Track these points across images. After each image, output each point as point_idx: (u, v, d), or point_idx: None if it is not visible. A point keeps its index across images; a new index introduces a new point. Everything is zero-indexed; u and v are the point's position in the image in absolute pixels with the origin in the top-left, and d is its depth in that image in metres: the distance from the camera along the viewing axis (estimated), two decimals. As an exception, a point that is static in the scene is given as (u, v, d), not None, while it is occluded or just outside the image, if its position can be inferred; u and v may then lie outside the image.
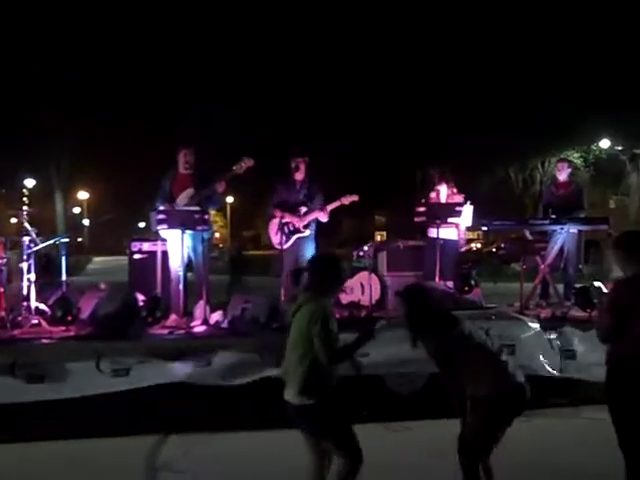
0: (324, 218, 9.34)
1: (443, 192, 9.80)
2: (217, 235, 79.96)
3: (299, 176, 9.37)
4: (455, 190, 9.82)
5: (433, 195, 9.87)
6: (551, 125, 33.65)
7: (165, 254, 9.09)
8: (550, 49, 34.75)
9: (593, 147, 38.95)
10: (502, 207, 37.14)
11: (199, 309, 8.43)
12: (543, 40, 34.84)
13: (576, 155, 38.57)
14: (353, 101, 39.78)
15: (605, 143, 38.31)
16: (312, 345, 4.37)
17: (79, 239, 64.81)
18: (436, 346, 4.70)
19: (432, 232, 9.31)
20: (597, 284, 8.37)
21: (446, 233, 9.13)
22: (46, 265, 9.10)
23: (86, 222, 63.93)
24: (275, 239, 9.25)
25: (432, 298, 4.96)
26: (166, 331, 7.93)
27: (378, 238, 42.28)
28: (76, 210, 61.67)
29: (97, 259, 52.36)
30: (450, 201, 9.65)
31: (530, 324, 8.01)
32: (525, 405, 4.71)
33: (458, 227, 9.39)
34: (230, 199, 63.62)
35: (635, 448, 4.59)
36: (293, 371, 4.44)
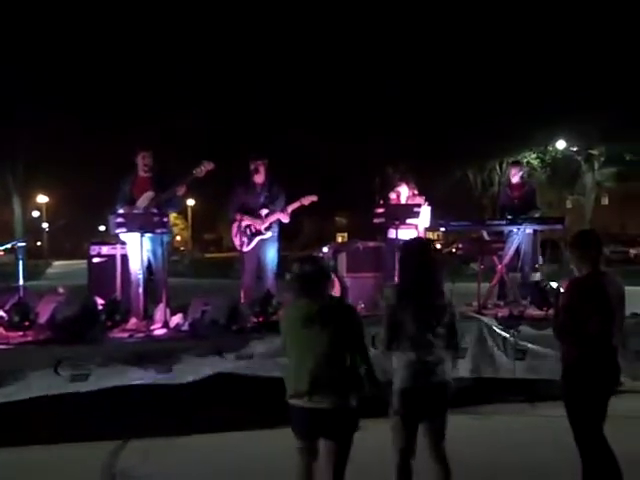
0: (285, 219, 9.36)
1: (404, 193, 9.84)
2: (178, 238, 79.67)
3: (259, 179, 9.38)
4: (416, 191, 9.89)
5: (393, 196, 9.89)
6: (508, 127, 34.03)
7: (125, 257, 9.02)
8: (506, 50, 35.12)
9: (549, 148, 39.46)
10: (461, 208, 37.46)
11: (159, 312, 8.40)
12: (500, 41, 35.20)
13: (533, 156, 39.09)
14: (314, 101, 39.78)
15: (561, 144, 38.84)
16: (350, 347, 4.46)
17: (38, 243, 64.09)
18: None
19: (391, 233, 9.39)
20: (552, 283, 8.50)
21: (405, 234, 9.20)
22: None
23: (45, 226, 63.28)
24: (236, 241, 9.26)
25: None
26: (126, 334, 7.88)
27: (339, 239, 42.38)
28: (35, 214, 60.95)
29: (57, 263, 51.85)
30: (411, 202, 9.70)
31: (486, 324, 8.12)
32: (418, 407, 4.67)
33: (417, 228, 9.46)
34: (191, 202, 63.37)
35: (591, 444, 4.69)
36: (330, 375, 4.43)
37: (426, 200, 9.67)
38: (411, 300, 4.60)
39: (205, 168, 8.67)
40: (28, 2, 33.32)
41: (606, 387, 4.72)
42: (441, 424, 4.70)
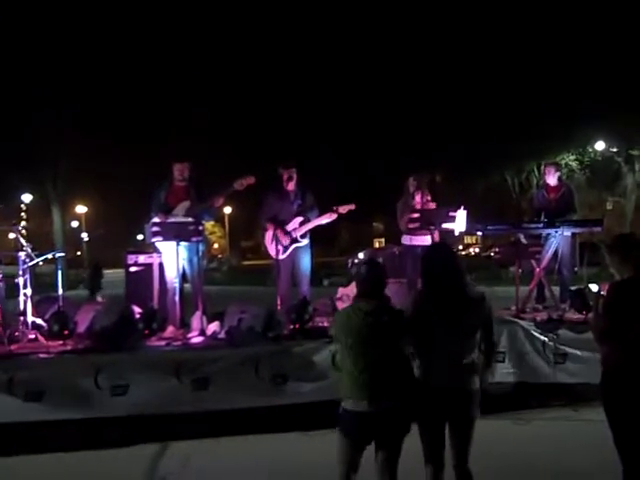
0: (330, 219, 9.35)
1: (417, 200, 9.85)
2: (216, 246, 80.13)
3: (291, 187, 9.39)
4: (429, 198, 9.87)
5: (413, 203, 9.90)
6: (546, 128, 33.70)
7: (161, 266, 9.09)
8: (544, 53, 34.80)
9: (588, 149, 39.00)
10: (499, 211, 37.29)
11: (196, 320, 8.45)
12: (536, 44, 34.89)
13: (572, 158, 38.64)
14: (350, 108, 39.84)
15: (600, 145, 38.34)
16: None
17: (78, 253, 64.83)
18: None
19: (408, 240, 9.38)
20: (592, 286, 8.40)
21: (422, 240, 9.21)
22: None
23: (85, 236, 64.00)
24: (271, 249, 9.27)
25: None
26: (164, 342, 7.95)
27: (377, 245, 42.34)
28: (74, 224, 61.67)
29: (97, 272, 52.35)
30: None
31: (525, 328, 8.04)
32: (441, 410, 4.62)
33: (451, 233, 9.41)
34: (228, 209, 63.72)
35: (631, 449, 4.61)
36: (388, 378, 4.46)
37: (463, 203, 9.59)
38: (436, 305, 4.57)
39: (246, 182, 8.70)
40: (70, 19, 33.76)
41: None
42: (466, 431, 4.65)
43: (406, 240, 9.78)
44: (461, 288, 4.64)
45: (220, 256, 70.27)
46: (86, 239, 64.07)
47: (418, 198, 9.87)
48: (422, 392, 4.57)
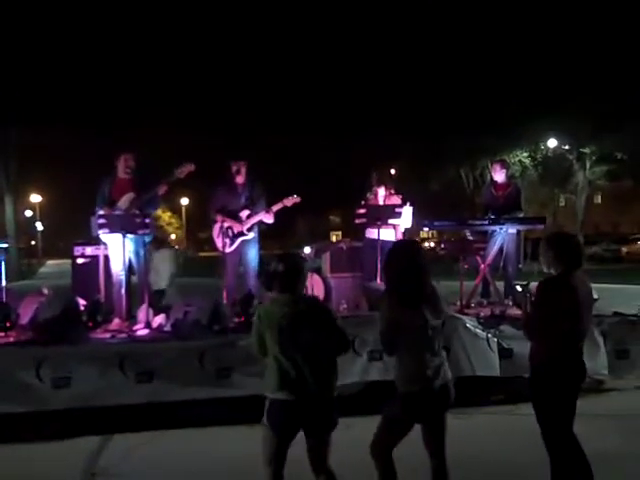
0: (269, 220, 9.42)
1: (381, 193, 9.91)
2: (173, 237, 79.63)
3: (240, 179, 9.45)
4: (392, 191, 9.95)
5: (371, 197, 9.98)
6: (499, 125, 34.07)
7: (107, 258, 9.05)
8: (496, 49, 35.16)
9: (541, 146, 39.49)
10: (454, 207, 37.58)
11: (142, 312, 8.43)
12: (490, 41, 35.25)
13: (524, 154, 39.11)
14: (307, 100, 39.83)
15: (552, 142, 38.87)
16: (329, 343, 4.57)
17: (32, 242, 63.99)
18: None
19: (371, 233, 9.45)
20: (520, 284, 8.57)
21: (384, 234, 9.25)
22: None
23: (39, 225, 63.21)
24: (218, 242, 9.30)
25: None
26: (109, 335, 7.92)
27: (334, 238, 42.44)
28: (28, 213, 60.87)
29: (50, 262, 51.76)
30: (388, 202, 9.76)
31: (468, 323, 8.15)
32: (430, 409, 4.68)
33: (396, 228, 9.51)
34: (185, 201, 63.40)
35: (560, 443, 4.73)
36: (312, 369, 4.51)
37: (409, 200, 9.71)
38: (404, 302, 4.60)
39: (186, 169, 8.70)
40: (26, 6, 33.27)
41: (573, 385, 4.76)
42: (442, 428, 4.71)
43: (367, 233, 9.81)
44: (425, 287, 4.67)
45: (177, 247, 69.90)
46: (40, 229, 63.35)
47: (381, 191, 9.92)
48: (406, 392, 4.61)
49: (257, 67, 39.85)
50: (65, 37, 34.29)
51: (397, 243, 5.45)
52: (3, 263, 8.78)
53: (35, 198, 56.78)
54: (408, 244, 5.28)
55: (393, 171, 9.52)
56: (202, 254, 60.54)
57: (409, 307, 4.56)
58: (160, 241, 10.70)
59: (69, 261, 10.45)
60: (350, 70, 39.22)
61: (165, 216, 73.24)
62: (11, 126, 35.49)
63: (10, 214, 42.14)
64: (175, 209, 70.77)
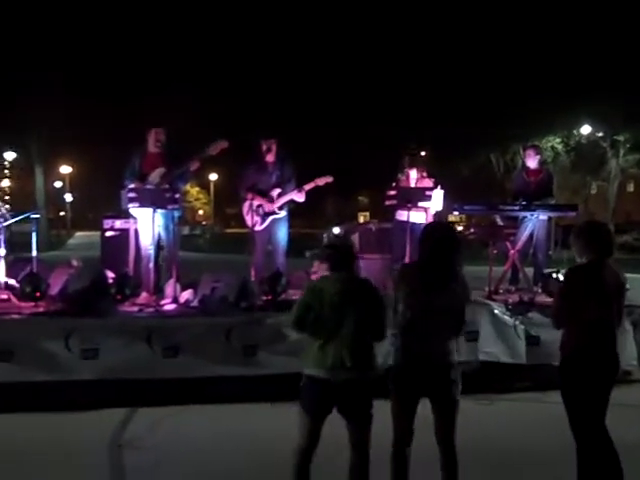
0: (301, 198, 9.39)
1: (413, 176, 9.83)
2: (201, 212, 79.83)
3: (270, 158, 9.42)
4: (425, 174, 9.86)
5: (403, 179, 9.91)
6: (532, 110, 33.72)
7: (137, 232, 9.04)
8: (532, 36, 34.79)
9: (574, 133, 39.06)
10: (483, 191, 37.30)
11: (169, 287, 8.47)
12: (524, 27, 34.89)
13: (557, 140, 38.71)
14: (338, 82, 39.71)
15: (586, 129, 38.43)
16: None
17: (61, 213, 64.52)
18: None
19: (401, 215, 9.39)
20: (561, 271, 8.48)
21: (415, 217, 9.19)
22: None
23: (68, 197, 63.65)
24: (248, 220, 9.29)
25: None
26: (136, 308, 7.97)
27: (361, 219, 42.35)
28: (58, 184, 61.31)
29: (79, 234, 52.17)
30: (419, 185, 9.69)
31: (496, 310, 8.10)
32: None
33: (427, 211, 9.44)
34: (214, 176, 63.49)
35: (585, 431, 4.69)
36: (355, 350, 4.52)
37: (439, 183, 9.62)
38: (418, 280, 4.58)
39: (219, 146, 8.66)
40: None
41: (604, 376, 4.70)
42: (448, 409, 4.65)
43: (397, 215, 9.72)
44: (449, 267, 4.63)
45: (204, 223, 70.14)
46: (69, 200, 63.78)
47: (413, 174, 9.84)
48: (403, 368, 4.60)
49: (287, 47, 39.70)
50: (98, 8, 34.39)
51: (432, 223, 5.42)
52: (34, 234, 8.84)
53: (65, 169, 57.14)
54: (444, 225, 5.29)
55: (423, 153, 9.42)
56: (229, 230, 60.73)
57: (435, 287, 4.54)
58: None
59: (97, 233, 10.50)
60: (381, 54, 39.02)
61: (193, 191, 73.42)
62: (42, 97, 35.68)
63: (40, 185, 42.55)
64: (203, 184, 70.85)
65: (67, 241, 44.35)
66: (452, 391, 4.62)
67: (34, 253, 8.79)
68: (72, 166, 56.61)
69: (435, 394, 4.62)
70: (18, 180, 52.32)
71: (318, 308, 4.53)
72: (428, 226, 5.07)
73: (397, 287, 4.69)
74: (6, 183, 49.25)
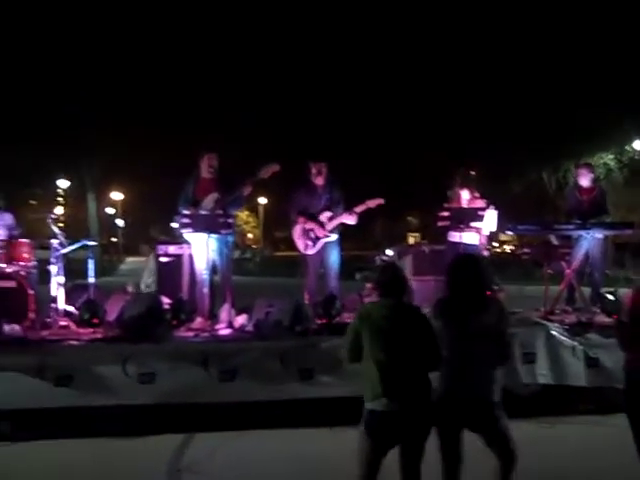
0: (352, 221, 9.37)
1: (464, 196, 9.72)
2: (250, 236, 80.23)
3: (320, 181, 9.43)
4: (477, 194, 9.76)
5: (454, 199, 9.81)
6: (584, 127, 33.31)
7: (191, 257, 9.14)
8: (583, 53, 34.40)
9: (627, 149, 38.44)
10: (535, 210, 36.88)
11: (224, 312, 8.52)
12: (576, 44, 34.50)
13: (610, 157, 38.15)
14: (384, 102, 39.71)
15: (639, 144, 37.81)
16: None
17: (113, 239, 65.39)
18: None
19: (454, 236, 9.31)
20: (611, 293, 8.35)
21: (468, 238, 9.12)
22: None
23: (120, 223, 64.53)
24: (300, 244, 9.31)
25: None
26: (192, 334, 8.04)
27: (411, 240, 42.11)
28: (110, 210, 62.18)
29: (130, 259, 52.77)
30: (471, 205, 9.59)
31: (553, 331, 7.97)
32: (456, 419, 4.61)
33: (480, 232, 9.34)
34: (263, 200, 63.80)
35: None
36: (408, 378, 4.50)
37: (493, 203, 9.52)
38: (449, 312, 4.63)
39: (271, 169, 8.70)
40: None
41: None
42: (495, 438, 4.61)
43: (449, 236, 9.55)
44: (479, 298, 4.65)
45: (254, 246, 70.44)
46: (121, 225, 64.64)
47: (465, 194, 9.72)
48: (442, 401, 4.57)
49: (336, 70, 39.83)
50: (147, 39, 34.98)
51: (456, 257, 5.40)
52: (92, 261, 8.97)
53: (116, 195, 57.92)
54: (464, 257, 5.36)
55: (473, 173, 9.32)
56: (278, 254, 60.92)
57: (465, 318, 4.57)
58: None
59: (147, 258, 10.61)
60: (429, 74, 38.89)
61: (243, 215, 73.86)
62: (94, 126, 36.36)
63: (93, 211, 43.25)
64: (252, 208, 71.25)
65: (119, 267, 44.85)
66: (494, 423, 4.60)
67: (91, 280, 8.91)
68: (123, 192, 57.37)
69: (477, 427, 4.61)
70: (71, 207, 53.21)
71: (367, 335, 4.52)
72: (451, 261, 5.06)
73: (435, 321, 4.70)
74: (60, 210, 50.12)
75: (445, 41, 38.19)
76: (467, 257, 5.36)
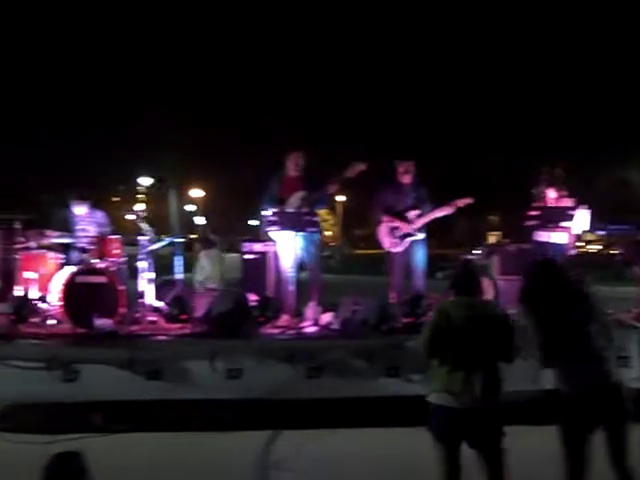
0: (447, 212, 9.35)
1: (551, 195, 9.48)
2: (329, 234, 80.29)
3: (407, 180, 9.37)
4: (564, 193, 9.51)
5: (541, 198, 9.58)
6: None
7: (276, 255, 9.19)
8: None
9: None
10: (622, 208, 35.99)
11: (310, 310, 8.53)
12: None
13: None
14: (465, 101, 39.32)
15: None
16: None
17: (192, 236, 66.27)
18: None
19: (540, 236, 9.13)
20: None
21: (557, 237, 8.91)
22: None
23: (200, 220, 65.36)
24: (386, 242, 9.26)
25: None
26: (277, 331, 8.09)
27: (492, 239, 41.53)
28: (190, 208, 63.02)
29: (209, 256, 53.47)
30: (558, 204, 9.33)
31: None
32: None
33: (568, 231, 9.11)
34: (342, 198, 63.80)
35: None
36: (482, 376, 4.47)
37: (583, 202, 9.27)
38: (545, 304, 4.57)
39: (358, 168, 8.69)
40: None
41: None
42: (617, 435, 4.48)
43: (536, 236, 9.36)
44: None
45: (333, 244, 70.49)
46: (200, 223, 65.45)
47: (552, 193, 9.50)
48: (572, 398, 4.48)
49: (421, 70, 39.59)
50: (230, 37, 35.44)
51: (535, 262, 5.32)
52: (180, 257, 9.11)
53: (196, 193, 58.69)
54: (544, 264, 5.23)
55: (560, 171, 9.07)
56: (358, 251, 60.79)
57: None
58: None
59: (228, 255, 10.76)
60: (515, 68, 38.38)
61: (321, 213, 73.99)
62: (177, 123, 37.02)
63: (174, 208, 43.93)
64: (330, 206, 71.24)
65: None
66: (624, 411, 4.48)
67: (179, 276, 9.05)
68: (203, 190, 58.10)
69: (608, 418, 4.47)
70: (152, 204, 54.22)
71: (446, 331, 4.50)
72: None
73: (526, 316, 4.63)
74: (141, 207, 51.19)
75: (538, 44, 37.56)
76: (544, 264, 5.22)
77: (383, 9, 39.28)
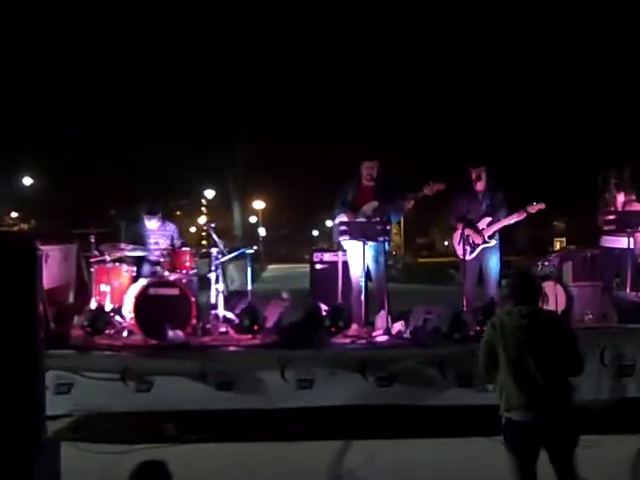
0: (520, 218, 9.24)
1: (620, 200, 9.29)
2: (393, 243, 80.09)
3: (480, 186, 9.31)
4: (632, 197, 9.27)
5: (610, 202, 9.35)
6: None
7: (345, 264, 9.21)
8: None
9: None
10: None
11: (381, 319, 8.48)
12: None
13: None
14: (536, 108, 38.85)
15: None
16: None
17: (254, 247, 66.78)
18: None
19: (607, 241, 9.04)
20: None
21: (630, 242, 8.70)
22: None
23: (262, 231, 65.92)
24: (459, 250, 9.18)
25: None
26: (348, 340, 8.04)
27: (557, 245, 40.94)
28: (252, 219, 63.55)
29: (271, 267, 53.89)
30: (628, 209, 9.14)
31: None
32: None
33: (635, 236, 8.86)
34: (404, 206, 63.61)
35: None
36: (547, 386, 4.39)
37: None
38: None
39: (436, 187, 8.73)
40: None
41: None
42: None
43: (603, 241, 9.33)
44: None
45: (395, 253, 70.25)
46: (263, 234, 66.06)
47: (620, 197, 9.33)
48: None
49: (490, 78, 39.09)
50: (289, 51, 35.60)
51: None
52: (250, 268, 9.19)
53: (258, 204, 59.17)
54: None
55: (628, 174, 8.83)
56: (420, 260, 60.57)
57: None
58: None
59: (289, 266, 10.88)
60: (583, 73, 37.71)
61: (389, 223, 73.67)
62: (239, 134, 37.39)
63: (238, 220, 44.45)
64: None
65: (261, 274, 45.76)
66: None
67: (249, 287, 9.11)
68: (264, 201, 58.56)
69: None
70: (214, 216, 54.82)
71: (502, 345, 4.43)
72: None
73: None
74: (204, 220, 51.77)
75: (613, 49, 36.93)
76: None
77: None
